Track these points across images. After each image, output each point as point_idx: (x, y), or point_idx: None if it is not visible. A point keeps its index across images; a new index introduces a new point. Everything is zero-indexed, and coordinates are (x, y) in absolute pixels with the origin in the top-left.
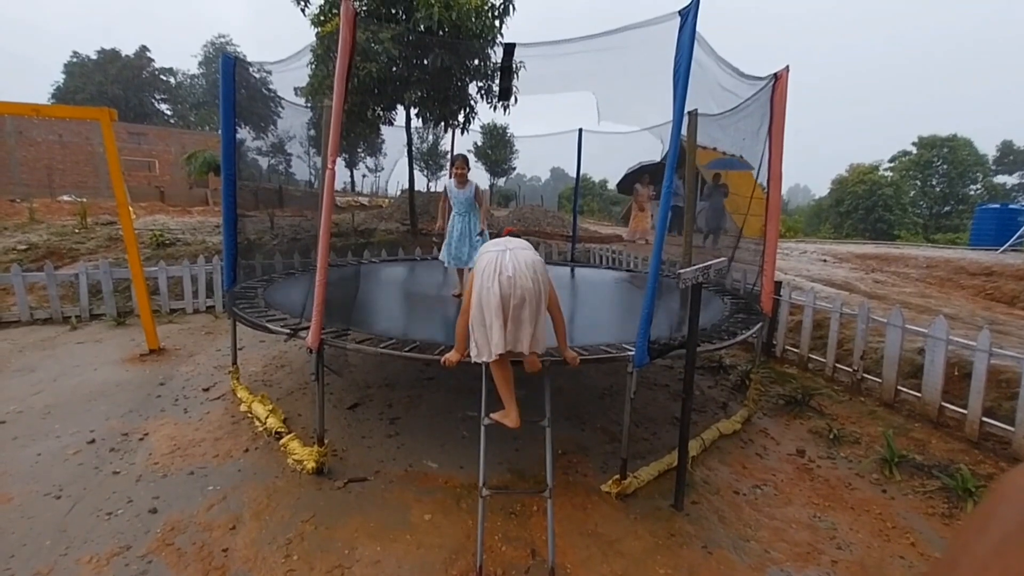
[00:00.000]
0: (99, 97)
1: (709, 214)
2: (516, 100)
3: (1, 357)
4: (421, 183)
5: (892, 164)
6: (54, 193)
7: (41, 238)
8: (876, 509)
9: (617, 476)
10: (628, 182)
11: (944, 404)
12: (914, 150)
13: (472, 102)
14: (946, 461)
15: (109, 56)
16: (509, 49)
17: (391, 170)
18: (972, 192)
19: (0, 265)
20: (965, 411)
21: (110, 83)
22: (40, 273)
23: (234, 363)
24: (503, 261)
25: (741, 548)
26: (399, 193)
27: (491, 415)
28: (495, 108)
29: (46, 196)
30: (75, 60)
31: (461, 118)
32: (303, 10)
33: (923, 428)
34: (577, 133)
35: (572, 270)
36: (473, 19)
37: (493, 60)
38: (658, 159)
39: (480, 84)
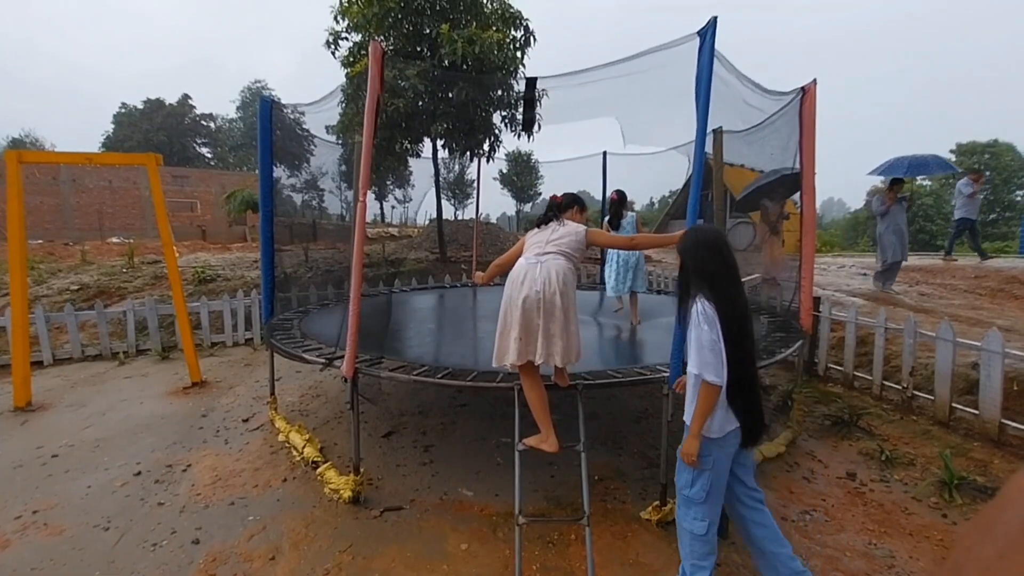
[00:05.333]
0: (145, 144)
1: (889, 236)
2: (540, 128)
3: (55, 393)
4: (449, 212)
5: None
6: (104, 235)
7: (92, 278)
8: (936, 535)
9: (657, 502)
10: (755, 197)
11: (1004, 421)
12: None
13: (497, 131)
14: None
15: (154, 105)
16: (531, 82)
17: (420, 200)
18: (1019, 198)
19: (55, 305)
20: None
21: (156, 130)
22: (91, 311)
23: (272, 394)
24: (533, 275)
25: None
26: (427, 222)
27: (526, 441)
28: (519, 136)
29: (97, 239)
30: (123, 111)
31: (486, 147)
32: (333, 53)
33: (983, 448)
34: (601, 156)
35: (602, 293)
36: (495, 52)
37: (516, 90)
38: (793, 167)
39: (504, 113)
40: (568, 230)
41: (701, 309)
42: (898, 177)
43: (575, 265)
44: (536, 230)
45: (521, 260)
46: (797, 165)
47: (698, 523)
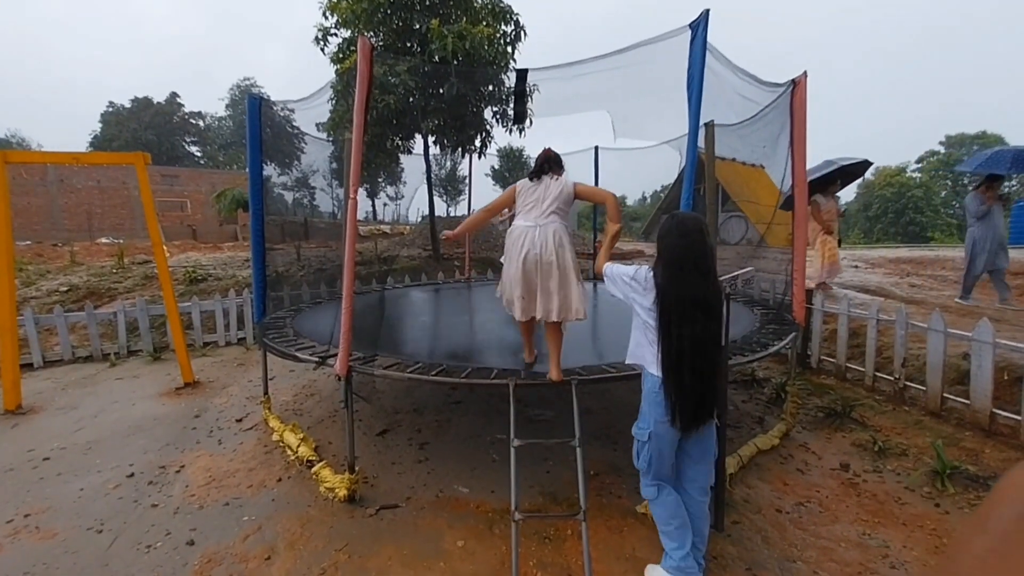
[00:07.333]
0: (134, 143)
1: (987, 243)
2: (531, 123)
3: (45, 396)
4: (441, 208)
5: (920, 165)
6: (93, 236)
7: (81, 279)
8: (930, 524)
9: None
10: (810, 191)
11: (995, 411)
12: (942, 150)
13: (488, 127)
14: (1002, 471)
15: (142, 104)
16: (522, 74)
17: (411, 197)
18: (1007, 189)
19: (44, 307)
20: (1019, 417)
21: (144, 129)
22: (81, 313)
23: (265, 393)
24: (532, 237)
25: (788, 569)
26: (420, 219)
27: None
28: (511, 132)
29: (86, 239)
30: (111, 110)
31: (478, 143)
32: (322, 49)
33: (974, 437)
34: (593, 151)
35: (595, 287)
36: (486, 47)
37: (507, 85)
38: (859, 158)
39: (495, 109)
40: (559, 184)
41: (645, 269)
42: (998, 173)
43: (567, 222)
44: (529, 182)
45: (519, 221)
46: (848, 158)
47: (649, 488)
